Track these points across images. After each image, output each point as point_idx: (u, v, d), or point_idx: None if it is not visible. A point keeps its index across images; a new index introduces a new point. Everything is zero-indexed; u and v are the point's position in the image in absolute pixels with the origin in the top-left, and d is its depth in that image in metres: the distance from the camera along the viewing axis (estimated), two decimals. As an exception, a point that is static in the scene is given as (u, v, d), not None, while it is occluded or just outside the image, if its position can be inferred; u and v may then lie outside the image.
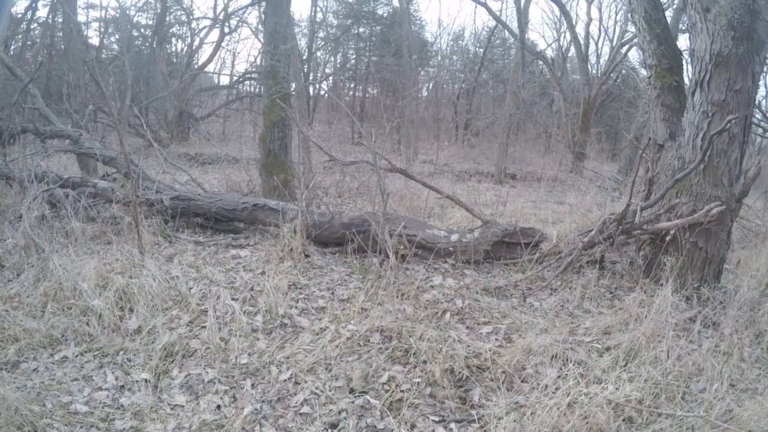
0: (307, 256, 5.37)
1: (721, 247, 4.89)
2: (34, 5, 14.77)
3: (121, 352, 3.49)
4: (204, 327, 3.83)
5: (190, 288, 4.50)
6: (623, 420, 2.90)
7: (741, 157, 4.79)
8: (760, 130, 9.94)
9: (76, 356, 3.43)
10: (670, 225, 4.83)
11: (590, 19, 21.64)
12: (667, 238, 4.86)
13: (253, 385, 3.25)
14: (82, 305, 3.84)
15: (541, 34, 60.30)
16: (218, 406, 3.03)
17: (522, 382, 3.35)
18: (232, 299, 4.30)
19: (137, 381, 3.19)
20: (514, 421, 2.86)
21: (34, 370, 3.26)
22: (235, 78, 23.00)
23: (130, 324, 3.80)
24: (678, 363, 3.45)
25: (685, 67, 5.65)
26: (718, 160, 4.70)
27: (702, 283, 4.78)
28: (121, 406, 2.99)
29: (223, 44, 20.89)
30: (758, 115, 8.89)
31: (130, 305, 4.00)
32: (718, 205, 4.64)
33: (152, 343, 3.59)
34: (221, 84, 24.09)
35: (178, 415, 2.95)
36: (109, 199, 5.84)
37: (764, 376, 3.61)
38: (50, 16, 14.96)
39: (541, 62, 23.13)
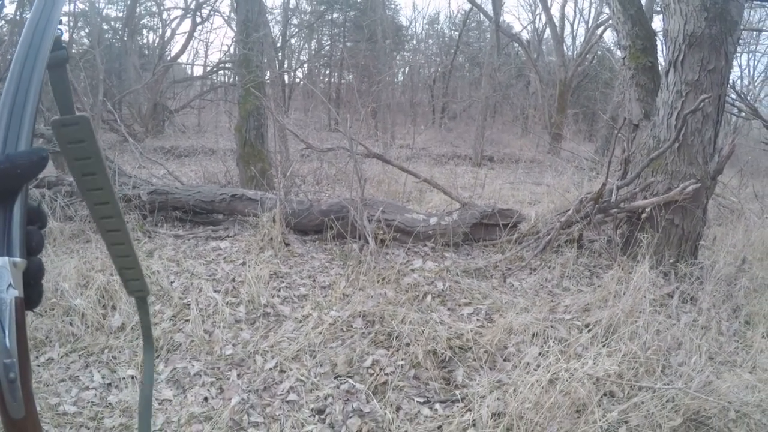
0: (287, 244, 5.37)
1: (696, 224, 4.97)
2: (1, 2, 14.44)
3: (106, 350, 3.47)
4: (187, 320, 3.82)
5: (172, 282, 4.48)
6: (604, 394, 2.96)
7: (715, 136, 4.86)
8: (735, 110, 10.08)
9: (62, 357, 3.41)
10: (646, 203, 4.90)
11: (565, 1, 21.73)
12: (644, 216, 4.94)
13: (239, 375, 3.26)
14: (65, 305, 3.80)
15: (517, 16, 60.45)
16: (205, 398, 3.04)
17: (504, 360, 3.40)
18: (214, 291, 4.30)
19: (124, 378, 3.18)
20: (498, 398, 2.91)
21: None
22: (208, 68, 22.75)
23: (113, 321, 3.78)
24: (657, 337, 3.52)
25: (659, 47, 5.71)
26: (692, 139, 4.77)
27: (679, 260, 4.87)
28: (110, 404, 2.98)
29: (196, 34, 20.66)
30: (733, 95, 9.00)
31: (113, 303, 3.97)
32: (693, 183, 4.72)
33: (137, 339, 3.58)
34: (195, 75, 23.85)
35: (166, 409, 2.95)
36: (85, 197, 5.77)
37: (742, 349, 3.70)
38: (18, 13, 14.64)
39: (516, 44, 23.16)
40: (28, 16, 0.69)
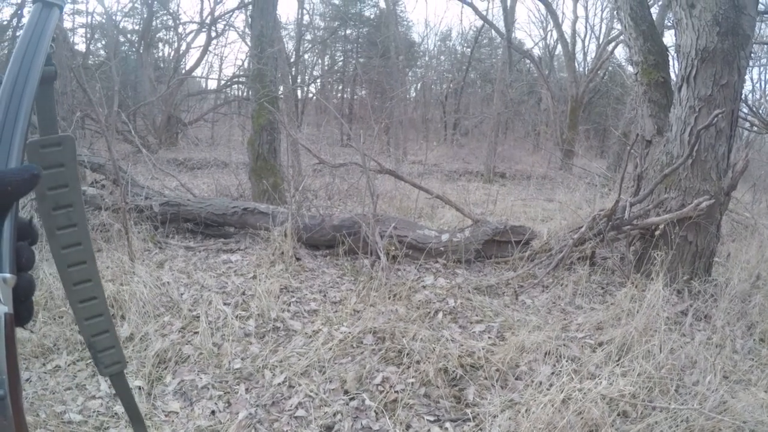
0: (298, 259, 5.36)
1: (710, 240, 4.92)
2: (19, 12, 14.65)
3: (114, 360, 3.45)
4: (196, 332, 3.81)
5: (182, 294, 4.48)
6: (618, 414, 2.91)
7: (728, 151, 4.82)
8: (747, 124, 10.01)
9: (69, 365, 3.40)
10: (660, 220, 4.86)
11: (576, 17, 21.71)
12: (657, 232, 4.89)
13: (247, 389, 3.24)
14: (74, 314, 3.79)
15: (528, 32, 60.46)
16: (213, 412, 3.02)
17: (516, 379, 3.36)
18: (224, 304, 4.28)
19: (130, 388, 3.16)
20: (509, 418, 2.86)
21: (27, 380, 3.23)
22: (222, 82, 22.96)
23: (122, 331, 3.77)
24: (671, 356, 3.47)
25: (671, 63, 5.69)
26: (705, 155, 4.73)
27: (693, 277, 4.81)
28: (115, 414, 2.96)
29: (210, 48, 20.82)
30: (745, 109, 8.93)
31: (122, 312, 3.97)
32: (707, 199, 4.68)
33: (145, 350, 3.57)
34: (209, 88, 24.03)
35: (173, 421, 2.93)
36: (98, 207, 5.80)
37: (757, 367, 3.63)
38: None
39: (528, 61, 23.20)
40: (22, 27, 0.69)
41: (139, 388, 3.17)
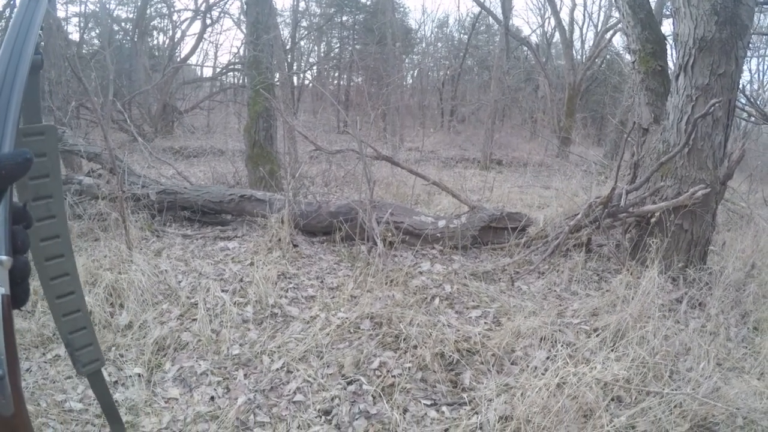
0: (295, 245, 5.38)
1: (706, 228, 4.94)
2: (12, 2, 14.55)
3: (113, 348, 3.48)
4: (195, 320, 3.83)
5: (180, 281, 4.50)
6: (612, 399, 2.94)
7: (725, 141, 4.83)
8: (745, 115, 10.01)
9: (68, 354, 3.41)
10: (656, 207, 4.88)
11: (575, 5, 21.67)
12: (653, 220, 4.92)
13: (245, 375, 3.27)
14: (72, 302, 3.80)
15: (526, 20, 60.03)
16: (212, 398, 3.05)
17: (512, 364, 3.39)
18: (222, 291, 4.30)
19: (130, 376, 3.18)
20: (505, 402, 2.90)
21: (27, 369, 3.24)
22: (218, 70, 22.77)
23: (120, 320, 3.79)
24: (665, 343, 3.50)
25: (669, 51, 5.69)
26: (702, 144, 4.74)
27: (688, 265, 4.84)
28: (116, 401, 2.97)
29: (206, 36, 20.66)
30: (743, 100, 8.94)
31: (120, 301, 3.98)
32: (702, 188, 4.70)
33: (144, 337, 3.59)
34: (204, 76, 23.86)
35: (173, 408, 2.96)
36: (95, 196, 5.80)
37: (750, 355, 3.67)
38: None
39: (525, 48, 23.13)
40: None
41: (139, 376, 3.20)
